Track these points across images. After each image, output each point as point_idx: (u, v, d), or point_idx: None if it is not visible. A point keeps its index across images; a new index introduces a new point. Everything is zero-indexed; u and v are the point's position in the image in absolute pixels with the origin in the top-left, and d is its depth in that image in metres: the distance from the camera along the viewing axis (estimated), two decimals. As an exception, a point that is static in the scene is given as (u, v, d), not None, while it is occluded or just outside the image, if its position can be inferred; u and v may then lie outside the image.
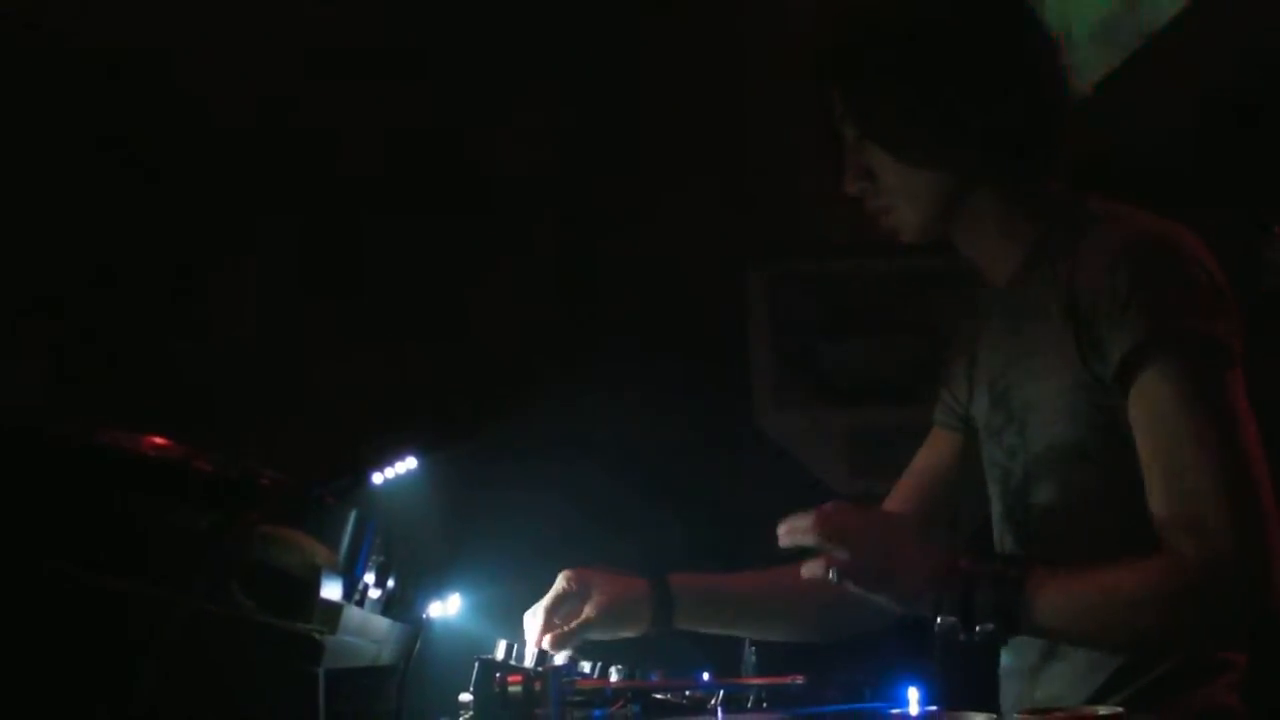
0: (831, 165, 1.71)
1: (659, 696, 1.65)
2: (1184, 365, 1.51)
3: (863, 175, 1.68)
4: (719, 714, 1.62)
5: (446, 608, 1.79)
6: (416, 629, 1.71)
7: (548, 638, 1.79)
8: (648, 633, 1.85)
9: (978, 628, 1.50)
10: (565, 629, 1.79)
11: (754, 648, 1.75)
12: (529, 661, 1.72)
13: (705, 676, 1.65)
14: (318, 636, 1.37)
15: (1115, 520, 1.60)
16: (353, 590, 1.51)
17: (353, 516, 1.53)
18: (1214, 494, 1.47)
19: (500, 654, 1.69)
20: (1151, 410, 1.52)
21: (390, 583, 1.68)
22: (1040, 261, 1.67)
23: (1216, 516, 1.46)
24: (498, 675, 1.60)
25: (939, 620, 1.51)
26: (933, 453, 1.93)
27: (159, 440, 1.47)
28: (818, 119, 1.71)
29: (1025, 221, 1.69)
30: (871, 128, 1.65)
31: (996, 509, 1.76)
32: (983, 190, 1.68)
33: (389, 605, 1.68)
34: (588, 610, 1.81)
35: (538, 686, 1.58)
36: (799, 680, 1.65)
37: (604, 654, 1.76)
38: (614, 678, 1.67)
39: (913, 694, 1.40)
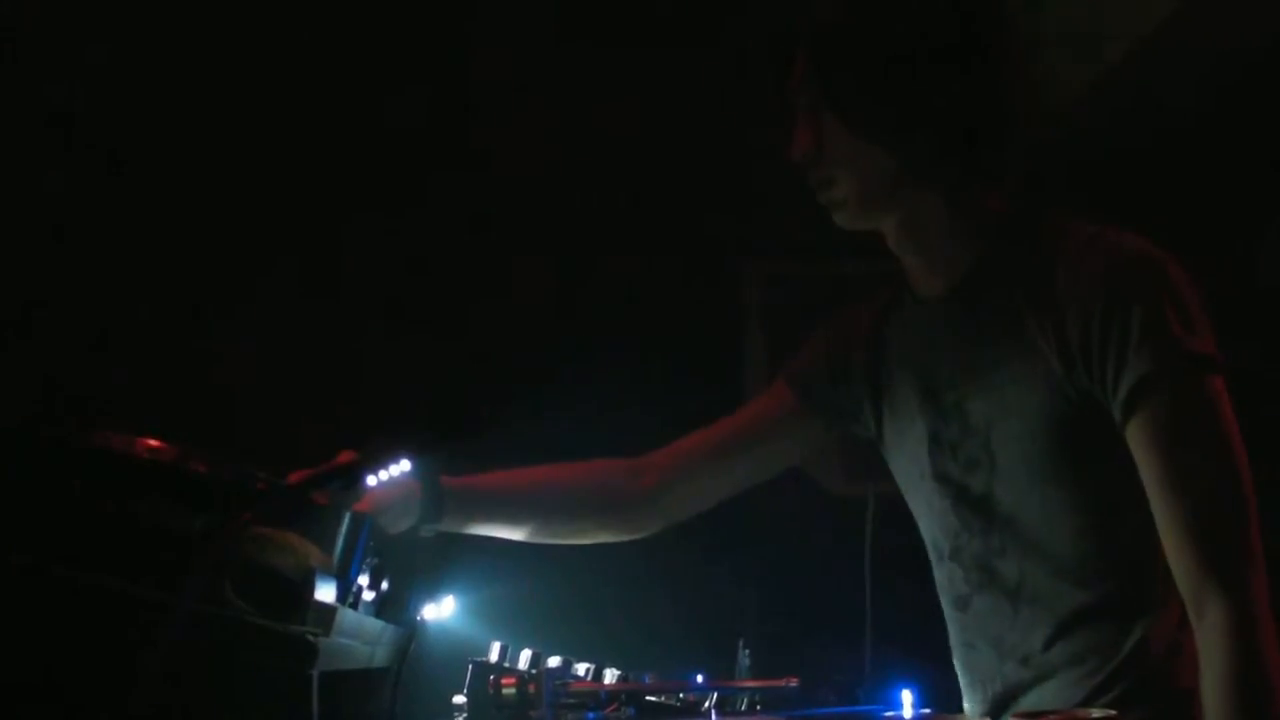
0: (780, 133, 1.70)
1: (653, 699, 1.65)
2: (1191, 390, 1.54)
3: (811, 143, 1.66)
4: (713, 716, 1.62)
5: (440, 610, 1.79)
6: (410, 631, 1.71)
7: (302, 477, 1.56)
8: (422, 530, 1.77)
9: None
10: (328, 489, 1.58)
11: (748, 650, 1.75)
12: (523, 664, 1.72)
13: (699, 679, 1.66)
14: (311, 639, 1.36)
15: (1086, 527, 1.61)
16: (347, 592, 1.51)
17: (347, 518, 1.52)
18: (1225, 521, 1.52)
19: (494, 656, 1.69)
20: (1161, 436, 1.54)
21: (384, 585, 1.68)
22: (996, 272, 1.66)
23: (1230, 546, 1.51)
24: (492, 678, 1.60)
25: None
26: (773, 404, 1.92)
27: (153, 442, 1.47)
28: (772, 83, 1.70)
29: (973, 230, 1.68)
30: (830, 93, 1.64)
31: (942, 522, 1.72)
32: (928, 193, 1.66)
33: (383, 607, 1.68)
34: (360, 492, 1.68)
35: (532, 689, 1.59)
36: (793, 682, 1.65)
37: (599, 656, 1.76)
38: (608, 680, 1.67)
39: (906, 697, 1.40)
